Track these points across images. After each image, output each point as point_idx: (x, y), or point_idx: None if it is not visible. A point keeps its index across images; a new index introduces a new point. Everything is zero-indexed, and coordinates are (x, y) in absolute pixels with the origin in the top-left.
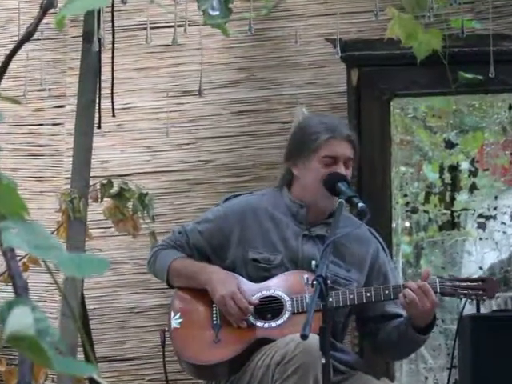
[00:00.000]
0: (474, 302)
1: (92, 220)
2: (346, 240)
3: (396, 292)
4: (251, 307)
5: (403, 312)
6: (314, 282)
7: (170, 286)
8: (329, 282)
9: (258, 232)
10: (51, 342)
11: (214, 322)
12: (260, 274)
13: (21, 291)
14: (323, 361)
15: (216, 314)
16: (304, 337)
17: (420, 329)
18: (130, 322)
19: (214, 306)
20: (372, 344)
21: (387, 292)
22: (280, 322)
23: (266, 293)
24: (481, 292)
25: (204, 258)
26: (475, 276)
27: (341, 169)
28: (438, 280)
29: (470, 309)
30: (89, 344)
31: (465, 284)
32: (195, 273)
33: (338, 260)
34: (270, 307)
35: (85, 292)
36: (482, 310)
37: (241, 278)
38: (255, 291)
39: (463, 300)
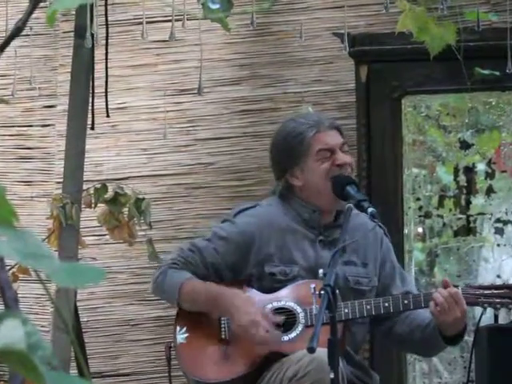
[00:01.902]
0: (500, 310)
1: (85, 227)
2: (354, 234)
3: (416, 301)
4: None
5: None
6: (322, 292)
7: (180, 308)
8: (352, 284)
9: (274, 246)
10: (43, 356)
11: (223, 337)
12: (273, 285)
13: (10, 303)
14: (332, 375)
15: (224, 328)
16: (311, 350)
17: (448, 337)
18: (126, 335)
19: (222, 319)
20: (389, 338)
21: (406, 302)
22: (293, 335)
23: (276, 304)
24: (507, 300)
25: (219, 277)
26: (499, 283)
27: (341, 157)
28: (460, 289)
29: (487, 320)
30: (82, 358)
31: (489, 292)
32: (210, 300)
33: (353, 257)
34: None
35: (78, 303)
36: (500, 321)
37: (253, 289)
38: (265, 302)
39: (481, 310)
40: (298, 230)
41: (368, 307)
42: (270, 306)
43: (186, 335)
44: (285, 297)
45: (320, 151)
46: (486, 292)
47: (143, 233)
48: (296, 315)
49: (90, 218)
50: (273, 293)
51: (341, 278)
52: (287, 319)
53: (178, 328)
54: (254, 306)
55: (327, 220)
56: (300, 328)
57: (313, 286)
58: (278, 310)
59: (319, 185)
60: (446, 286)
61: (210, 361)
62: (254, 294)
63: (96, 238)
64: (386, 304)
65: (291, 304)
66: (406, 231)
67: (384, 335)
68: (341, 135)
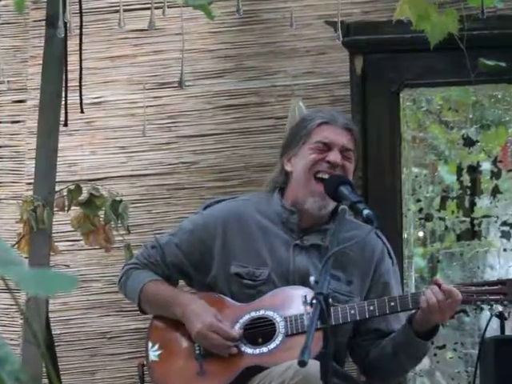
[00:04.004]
0: (494, 312)
1: (58, 232)
2: (349, 246)
3: (404, 303)
4: (239, 332)
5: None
6: (314, 301)
7: (143, 312)
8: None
9: (241, 243)
10: (11, 371)
11: (197, 352)
12: (245, 291)
13: None
14: None
15: None
16: (302, 363)
17: (422, 334)
18: (102, 348)
19: None
20: (362, 367)
21: (393, 304)
22: (272, 346)
23: (255, 314)
24: (501, 296)
25: (184, 275)
26: (493, 279)
27: (334, 155)
28: (452, 286)
29: (493, 331)
30: (55, 374)
31: (482, 289)
32: (167, 304)
33: (338, 272)
34: (260, 330)
35: (50, 315)
36: (507, 332)
37: (226, 298)
38: (243, 312)
39: (486, 320)
40: (272, 230)
41: (352, 312)
42: (247, 316)
43: (159, 352)
44: (264, 305)
45: (318, 142)
46: (479, 289)
47: (121, 238)
48: (275, 325)
49: (62, 222)
50: (250, 301)
51: None
52: (266, 330)
53: (150, 344)
54: (208, 311)
55: (308, 223)
56: (280, 338)
57: (303, 294)
58: (256, 321)
59: (301, 174)
60: (437, 283)
61: (184, 378)
62: (231, 305)
63: (69, 243)
64: (371, 307)
65: (270, 313)
66: (405, 235)
67: (361, 363)
68: (352, 141)
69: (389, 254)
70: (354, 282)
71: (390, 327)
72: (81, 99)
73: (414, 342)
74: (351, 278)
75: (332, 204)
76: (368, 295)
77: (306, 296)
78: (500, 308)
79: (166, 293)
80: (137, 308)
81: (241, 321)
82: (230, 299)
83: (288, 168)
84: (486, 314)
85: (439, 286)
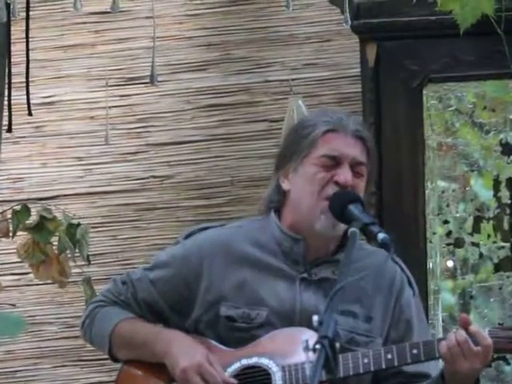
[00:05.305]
0: None
1: (1, 263)
2: (363, 277)
3: (428, 351)
4: (233, 383)
5: (432, 371)
6: (317, 346)
7: (114, 359)
8: (343, 342)
9: (232, 279)
10: None
11: None
12: (235, 334)
13: None
14: None
15: None
16: None
17: None
18: None
19: None
20: None
21: (415, 351)
22: None
23: (246, 362)
24: None
25: (159, 318)
26: None
27: (343, 173)
28: (487, 330)
29: None
30: None
31: None
32: (146, 342)
33: (355, 306)
34: (252, 382)
35: None
36: None
37: (211, 341)
38: (232, 359)
39: None
40: (271, 263)
41: (365, 361)
42: (237, 364)
43: None
44: (258, 352)
45: (324, 157)
46: None
47: (79, 270)
48: (271, 376)
49: (6, 251)
50: (240, 346)
51: None
52: (260, 381)
53: None
54: (198, 348)
55: (315, 254)
56: None
57: (304, 337)
58: (248, 370)
59: (307, 197)
60: (464, 324)
61: None
62: (217, 349)
63: (15, 277)
64: (389, 356)
65: (265, 361)
66: (430, 265)
67: None
68: (365, 152)
69: (409, 282)
70: (374, 318)
71: (417, 368)
72: (28, 99)
73: None
74: (371, 314)
75: (342, 225)
76: (388, 335)
77: (307, 340)
78: None
79: (145, 330)
80: (102, 355)
81: (229, 370)
82: (215, 343)
83: (285, 186)
84: None
85: (466, 325)
